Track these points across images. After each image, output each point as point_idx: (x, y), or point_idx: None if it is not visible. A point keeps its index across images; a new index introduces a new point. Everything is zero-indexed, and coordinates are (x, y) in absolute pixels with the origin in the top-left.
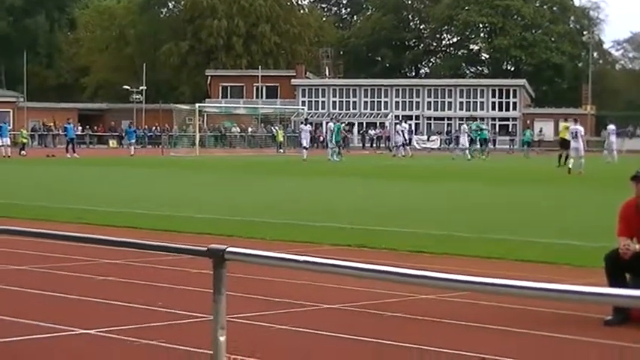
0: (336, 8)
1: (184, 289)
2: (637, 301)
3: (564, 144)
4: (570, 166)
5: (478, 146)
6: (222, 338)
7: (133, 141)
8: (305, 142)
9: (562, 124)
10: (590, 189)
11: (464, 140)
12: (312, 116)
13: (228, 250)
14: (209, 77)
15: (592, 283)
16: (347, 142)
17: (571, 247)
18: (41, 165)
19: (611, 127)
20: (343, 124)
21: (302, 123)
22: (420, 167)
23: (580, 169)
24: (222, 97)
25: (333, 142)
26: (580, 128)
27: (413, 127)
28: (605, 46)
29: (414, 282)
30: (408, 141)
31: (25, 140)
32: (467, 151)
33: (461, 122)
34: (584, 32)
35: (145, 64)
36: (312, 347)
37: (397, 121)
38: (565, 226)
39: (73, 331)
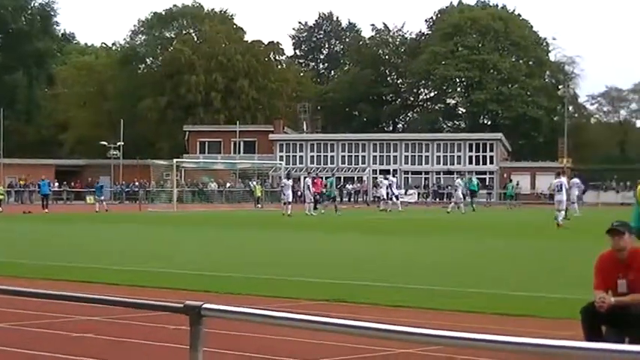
0: (313, 63)
1: (161, 346)
2: (614, 354)
3: None
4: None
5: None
6: None
7: (102, 197)
8: (287, 197)
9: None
10: (576, 241)
11: (458, 194)
12: (289, 172)
13: (204, 306)
14: (187, 132)
15: (568, 336)
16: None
17: (545, 299)
18: (17, 222)
19: (575, 180)
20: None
21: (285, 177)
22: (403, 221)
23: (558, 220)
24: (200, 153)
25: (325, 195)
26: (563, 180)
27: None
28: (581, 100)
29: (393, 337)
30: (393, 195)
31: (1, 197)
32: (461, 205)
33: (452, 176)
34: (560, 86)
35: (123, 120)
36: None
37: (382, 176)
38: (539, 277)
39: None
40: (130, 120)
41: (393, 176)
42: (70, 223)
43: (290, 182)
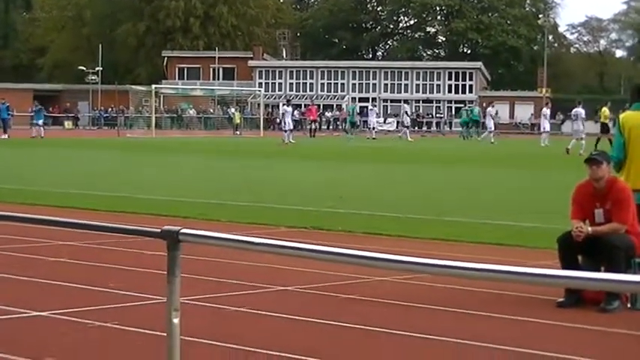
0: None
1: (140, 271)
2: (589, 282)
3: (604, 128)
4: (570, 147)
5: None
6: (176, 320)
7: (40, 122)
8: (288, 125)
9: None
10: (555, 171)
11: (489, 123)
12: (268, 98)
13: (182, 231)
14: (166, 58)
15: (545, 265)
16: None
17: (525, 228)
18: None
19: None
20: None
21: (284, 104)
22: (385, 150)
23: (581, 150)
24: (179, 79)
25: (348, 123)
26: (581, 111)
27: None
28: (561, 29)
29: (369, 264)
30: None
31: None
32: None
33: (431, 104)
34: (540, 15)
35: (101, 45)
36: (267, 329)
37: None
38: (520, 208)
39: (26, 313)
40: (108, 45)
41: (373, 104)
42: (59, 147)
43: (290, 109)
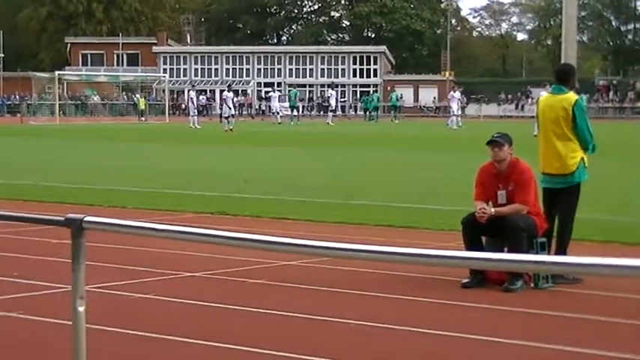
0: None
1: (44, 260)
2: (493, 263)
3: None
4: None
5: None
6: (81, 308)
7: None
8: (230, 110)
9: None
10: (449, 152)
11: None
12: (173, 84)
13: (86, 219)
14: (69, 44)
15: (450, 246)
16: (209, 110)
17: (429, 210)
18: None
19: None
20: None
21: (226, 90)
22: (291, 134)
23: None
24: (82, 65)
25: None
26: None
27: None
28: (463, 13)
29: (275, 249)
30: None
31: None
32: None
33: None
34: None
35: (2, 30)
36: (174, 315)
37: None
38: (425, 191)
39: None
40: (9, 30)
41: (278, 89)
42: None
43: (231, 95)
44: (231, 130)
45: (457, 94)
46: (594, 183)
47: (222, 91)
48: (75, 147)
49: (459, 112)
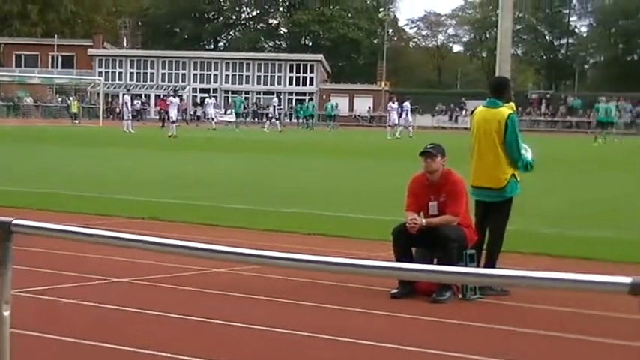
0: None
1: None
2: (422, 274)
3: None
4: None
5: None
6: (6, 313)
7: None
8: (174, 116)
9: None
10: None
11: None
12: (108, 87)
13: (14, 222)
14: (2, 45)
15: (380, 256)
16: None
17: (361, 220)
18: None
19: (406, 104)
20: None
21: (172, 95)
22: (227, 140)
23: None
24: (16, 66)
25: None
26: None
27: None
28: (401, 23)
29: (204, 255)
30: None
31: None
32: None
33: (272, 96)
34: (381, 9)
35: None
36: (100, 320)
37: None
38: (357, 200)
39: None
40: None
41: (213, 95)
42: None
43: (177, 100)
44: (175, 136)
45: (396, 105)
46: (525, 196)
47: (165, 96)
48: (5, 149)
49: (397, 122)
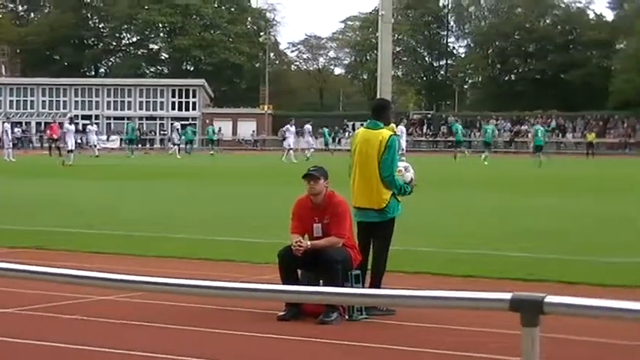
0: (12, 5)
1: None
2: (308, 296)
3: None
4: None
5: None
6: None
7: None
8: (71, 145)
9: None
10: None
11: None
12: None
13: None
14: None
15: (266, 279)
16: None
17: (247, 243)
18: None
19: (307, 126)
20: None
21: (66, 122)
22: (112, 167)
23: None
24: None
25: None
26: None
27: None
28: (282, 47)
29: (89, 283)
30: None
31: None
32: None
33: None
34: (262, 33)
35: None
36: None
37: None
38: (243, 223)
39: None
40: None
41: (95, 122)
42: None
43: (73, 127)
44: (70, 165)
45: (293, 128)
46: (407, 215)
47: (60, 124)
48: None
49: (291, 146)
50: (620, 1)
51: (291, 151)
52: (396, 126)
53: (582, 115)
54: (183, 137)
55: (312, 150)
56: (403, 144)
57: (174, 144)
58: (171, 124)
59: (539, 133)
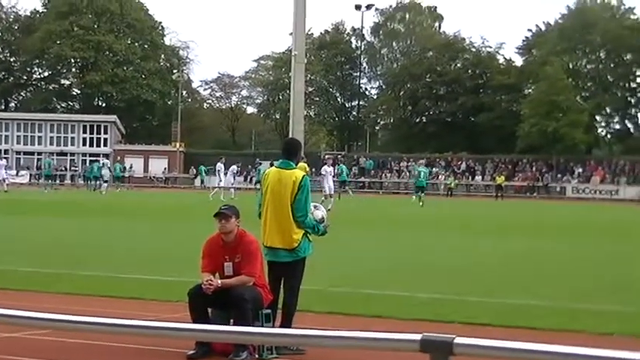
0: None
1: None
2: (218, 335)
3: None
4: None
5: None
6: None
7: None
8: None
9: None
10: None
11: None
12: None
13: None
14: None
15: (176, 318)
16: None
17: (157, 281)
18: None
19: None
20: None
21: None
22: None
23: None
24: None
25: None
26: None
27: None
28: (194, 85)
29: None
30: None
31: None
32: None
33: (66, 157)
34: (175, 71)
35: None
36: None
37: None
38: (153, 261)
39: None
40: None
41: (5, 156)
42: None
43: (3, 162)
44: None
45: (222, 167)
46: (317, 255)
47: None
48: None
49: (223, 185)
50: (529, 47)
51: (218, 189)
52: (322, 167)
53: (492, 157)
54: (89, 174)
55: (232, 190)
56: (331, 184)
57: (104, 181)
58: (99, 160)
59: (421, 174)
